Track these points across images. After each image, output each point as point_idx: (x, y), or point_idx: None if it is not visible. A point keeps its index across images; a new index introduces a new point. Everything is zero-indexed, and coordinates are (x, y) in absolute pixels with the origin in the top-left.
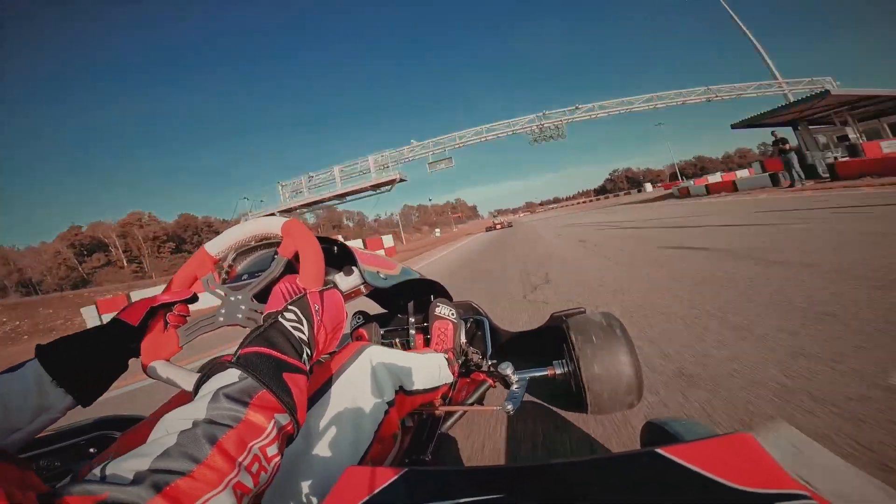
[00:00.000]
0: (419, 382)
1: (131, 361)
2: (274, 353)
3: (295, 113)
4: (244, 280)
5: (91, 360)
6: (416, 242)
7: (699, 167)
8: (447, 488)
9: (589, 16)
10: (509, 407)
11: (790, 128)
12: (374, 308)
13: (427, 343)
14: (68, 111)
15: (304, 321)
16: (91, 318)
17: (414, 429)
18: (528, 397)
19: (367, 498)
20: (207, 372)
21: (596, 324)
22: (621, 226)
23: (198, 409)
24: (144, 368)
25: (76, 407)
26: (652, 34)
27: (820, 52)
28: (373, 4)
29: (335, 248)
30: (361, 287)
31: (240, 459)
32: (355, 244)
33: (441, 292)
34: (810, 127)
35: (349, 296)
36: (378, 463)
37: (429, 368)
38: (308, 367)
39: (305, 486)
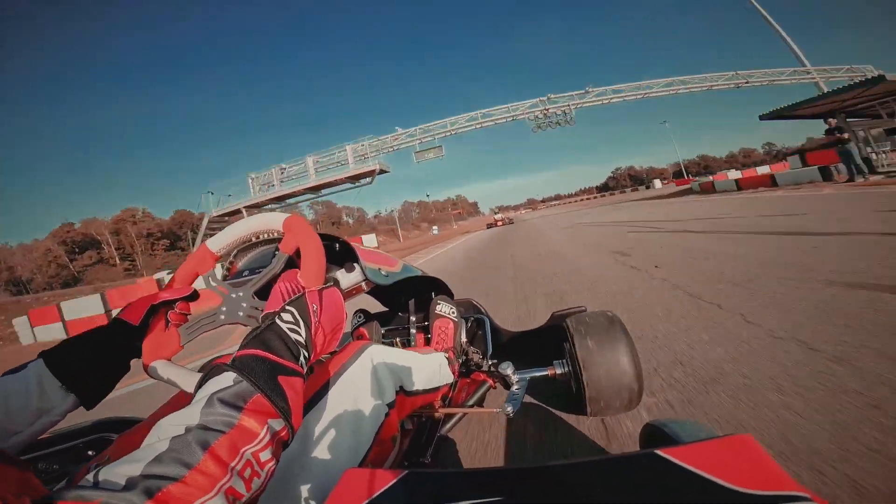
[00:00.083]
0: (420, 382)
1: (133, 362)
2: (269, 356)
3: (282, 104)
4: (245, 276)
5: (95, 361)
6: (413, 240)
7: (703, 166)
8: (447, 491)
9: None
10: (509, 409)
11: (822, 120)
12: (375, 306)
13: (428, 342)
14: (63, 108)
15: (301, 322)
16: (24, 332)
17: (413, 431)
18: (527, 398)
19: (366, 501)
20: (206, 374)
21: (597, 323)
22: (659, 227)
23: (191, 415)
24: (146, 368)
25: (76, 409)
26: (665, 20)
27: (846, 41)
28: None
29: (336, 244)
30: (363, 284)
31: (232, 465)
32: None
33: (443, 290)
34: (848, 120)
35: (350, 293)
36: (377, 465)
37: (430, 368)
38: (305, 370)
39: (304, 488)
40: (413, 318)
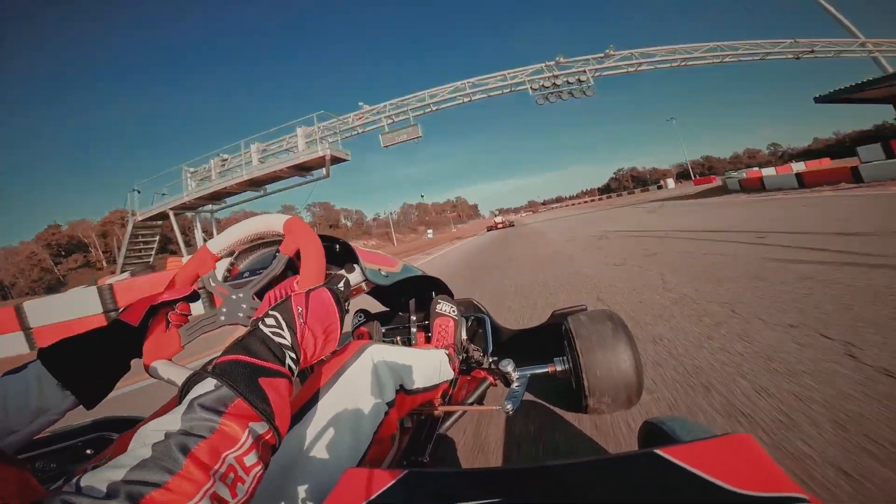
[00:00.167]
0: (420, 381)
1: (134, 362)
2: (250, 359)
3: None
4: (246, 277)
5: (94, 361)
6: (407, 244)
7: (707, 166)
8: (446, 491)
9: None
10: (509, 406)
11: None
12: (375, 306)
13: (428, 340)
14: (53, 108)
15: (285, 325)
16: None
17: (412, 430)
18: (527, 396)
19: (366, 501)
20: (188, 381)
21: (597, 321)
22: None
23: (172, 421)
24: (146, 368)
25: (75, 409)
26: None
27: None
28: None
29: (336, 245)
30: (363, 285)
31: (214, 470)
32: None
33: (443, 290)
34: None
35: (351, 294)
36: (376, 464)
37: (430, 366)
38: (293, 372)
39: (303, 487)
40: (413, 318)
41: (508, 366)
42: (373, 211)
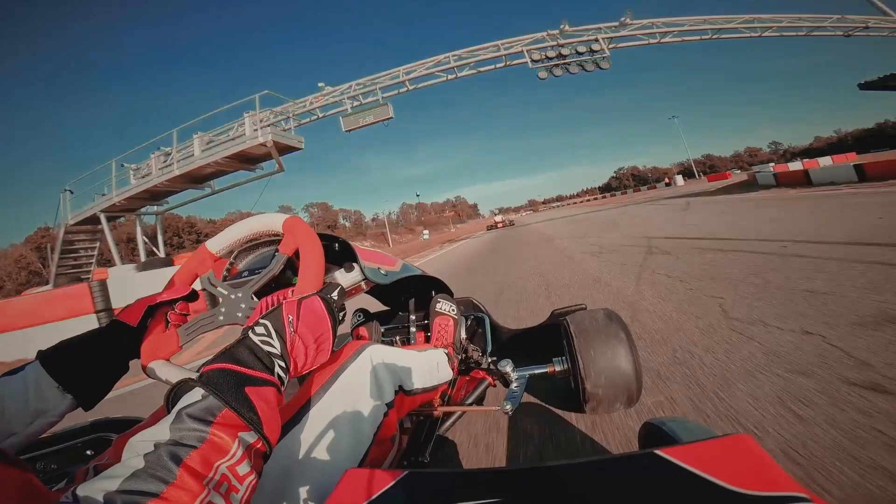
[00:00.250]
0: (419, 381)
1: (132, 362)
2: (236, 367)
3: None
4: (245, 277)
5: (92, 362)
6: (402, 245)
7: (708, 165)
8: (446, 491)
9: None
10: (508, 407)
11: None
12: (375, 305)
13: (428, 339)
14: (44, 108)
15: (275, 333)
16: None
17: (412, 430)
18: (526, 397)
19: (366, 501)
20: (175, 390)
21: (597, 321)
22: None
23: (161, 431)
24: (144, 369)
25: (74, 410)
26: None
27: None
28: None
29: (336, 244)
30: (362, 284)
31: (207, 479)
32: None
33: (442, 289)
34: None
35: (350, 293)
36: (376, 465)
37: (429, 366)
38: (282, 381)
39: (304, 489)
40: (413, 317)
41: (507, 366)
42: (372, 211)
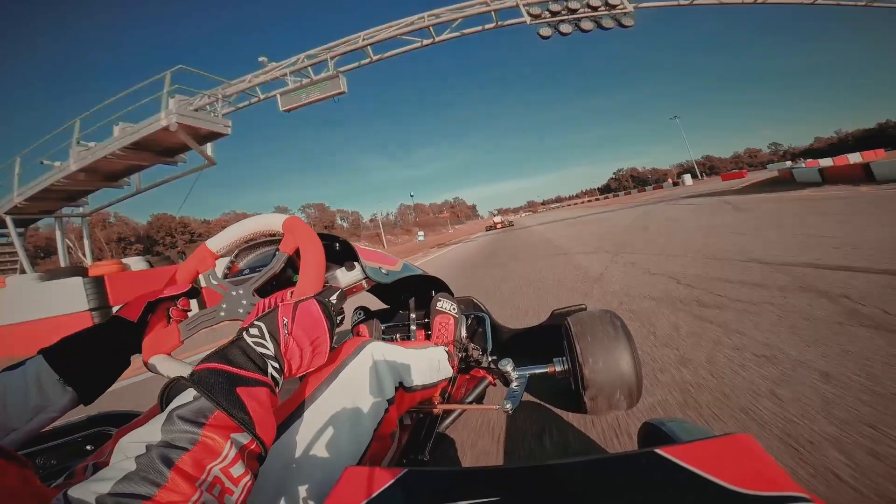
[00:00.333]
0: (420, 378)
1: (133, 357)
2: (228, 368)
3: None
4: (246, 275)
5: (94, 357)
6: (393, 248)
7: (708, 166)
8: (446, 490)
9: None
10: (508, 406)
11: None
12: (375, 304)
13: (428, 338)
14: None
15: (268, 335)
16: None
17: (412, 428)
18: (526, 396)
19: (366, 500)
20: (168, 388)
21: (597, 321)
22: None
23: (152, 432)
24: (145, 363)
25: (74, 407)
26: None
27: None
28: None
29: (337, 244)
30: (363, 282)
31: (199, 482)
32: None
33: (443, 289)
34: None
35: (350, 291)
36: (376, 462)
37: (429, 363)
38: (276, 382)
39: (304, 486)
40: (413, 316)
41: (508, 365)
42: (370, 212)
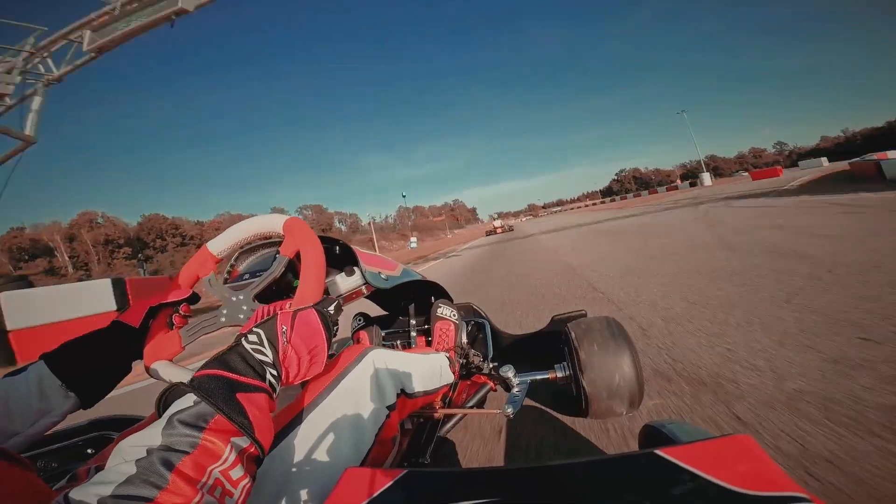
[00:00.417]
0: (421, 385)
1: (135, 363)
2: (228, 374)
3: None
4: (246, 280)
5: (96, 362)
6: (391, 254)
7: (712, 166)
8: (446, 490)
9: None
10: (509, 410)
11: None
12: (375, 310)
13: (428, 344)
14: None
15: (267, 342)
16: None
17: (413, 431)
18: (527, 401)
19: (366, 500)
20: (167, 394)
21: (597, 327)
22: None
23: (152, 436)
24: (147, 369)
25: (75, 411)
26: None
27: None
28: None
29: (337, 247)
30: (363, 288)
31: (200, 484)
32: None
33: (442, 294)
34: None
35: (350, 297)
36: (377, 465)
37: (431, 370)
38: (274, 388)
39: (305, 490)
40: (413, 322)
41: (509, 371)
42: (369, 214)
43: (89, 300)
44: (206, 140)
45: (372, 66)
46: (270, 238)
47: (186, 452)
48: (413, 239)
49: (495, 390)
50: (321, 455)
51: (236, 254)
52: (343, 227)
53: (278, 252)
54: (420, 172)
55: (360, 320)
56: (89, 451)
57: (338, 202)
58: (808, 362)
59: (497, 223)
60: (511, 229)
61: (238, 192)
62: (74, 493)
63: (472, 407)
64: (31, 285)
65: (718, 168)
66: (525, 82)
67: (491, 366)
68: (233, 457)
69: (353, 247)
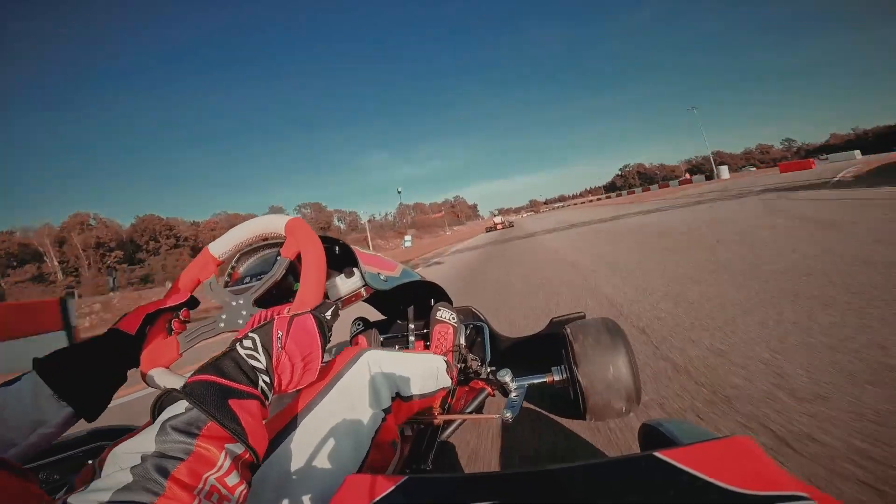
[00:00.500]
0: (417, 388)
1: (130, 372)
2: (220, 380)
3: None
4: (247, 283)
5: (90, 371)
6: (387, 252)
7: (719, 163)
8: (446, 496)
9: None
10: (508, 415)
11: None
12: (373, 315)
13: (427, 347)
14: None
15: (261, 348)
16: None
17: (413, 438)
18: (525, 404)
19: None
20: (160, 400)
21: (595, 330)
22: None
23: (145, 443)
24: (143, 377)
25: (75, 422)
26: None
27: None
28: None
29: (337, 247)
30: (362, 290)
31: (197, 491)
32: None
33: (442, 296)
34: None
35: (349, 300)
36: (378, 471)
37: (427, 372)
38: (266, 395)
39: (303, 495)
40: (412, 326)
41: (506, 376)
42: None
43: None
44: (204, 139)
45: (372, 65)
46: (273, 239)
47: (181, 459)
48: (407, 237)
49: (493, 395)
50: (318, 460)
51: (237, 255)
52: (342, 226)
53: (279, 254)
54: (421, 171)
55: (359, 325)
56: (89, 461)
57: (338, 201)
58: None
59: (497, 219)
60: (511, 225)
61: (236, 191)
62: (72, 500)
63: (470, 412)
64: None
65: (725, 163)
66: (525, 82)
67: (489, 370)
68: (227, 463)
69: (353, 247)
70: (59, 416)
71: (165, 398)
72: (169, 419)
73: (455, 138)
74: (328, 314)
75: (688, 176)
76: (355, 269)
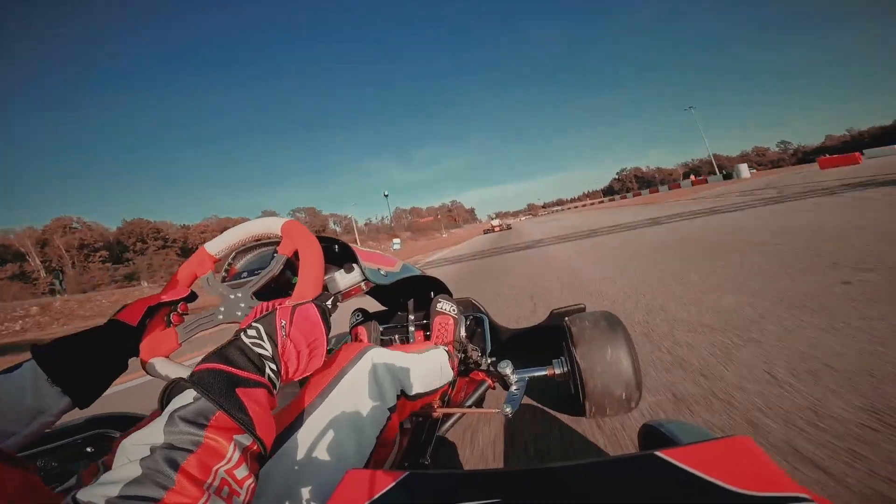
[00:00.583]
0: (421, 385)
1: (131, 361)
2: (227, 368)
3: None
4: (244, 278)
5: (89, 360)
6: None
7: (716, 164)
8: (447, 492)
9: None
10: (508, 409)
11: None
12: (373, 306)
13: (427, 338)
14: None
15: (266, 337)
16: None
17: (412, 431)
18: (526, 399)
19: (367, 502)
20: (168, 389)
21: (596, 322)
22: None
23: (155, 434)
24: (143, 365)
25: (71, 410)
26: None
27: None
28: None
29: (335, 246)
30: (362, 284)
31: (206, 484)
32: None
33: (442, 290)
34: None
35: (350, 293)
36: (378, 466)
37: (431, 368)
38: (274, 383)
39: (307, 490)
40: (412, 317)
41: (507, 368)
42: (364, 216)
43: None
44: (197, 142)
45: (371, 66)
46: (269, 239)
47: (191, 451)
48: (396, 240)
49: (493, 388)
50: (324, 457)
51: (234, 253)
52: (338, 229)
53: (276, 251)
54: (419, 176)
55: (358, 316)
56: (89, 449)
57: (333, 205)
58: None
59: (495, 222)
60: (509, 228)
61: (228, 195)
62: (82, 495)
63: (470, 406)
64: None
65: (722, 165)
66: (525, 82)
67: (489, 361)
68: (237, 456)
69: (352, 245)
70: (59, 404)
71: (174, 387)
72: (177, 409)
73: (453, 143)
74: (328, 303)
75: (693, 177)
76: (355, 265)
